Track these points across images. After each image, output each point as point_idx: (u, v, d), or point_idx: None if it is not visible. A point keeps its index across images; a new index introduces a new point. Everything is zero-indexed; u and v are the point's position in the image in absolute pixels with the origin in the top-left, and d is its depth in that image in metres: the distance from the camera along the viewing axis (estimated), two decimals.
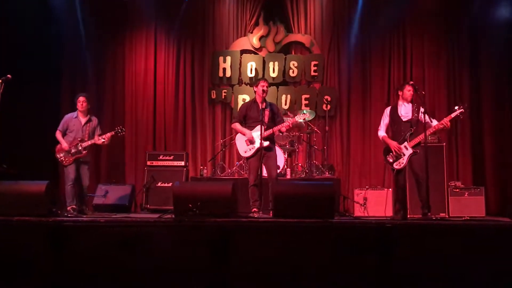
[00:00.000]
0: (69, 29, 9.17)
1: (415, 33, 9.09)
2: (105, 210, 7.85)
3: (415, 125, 6.24)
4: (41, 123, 8.35)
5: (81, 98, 7.07)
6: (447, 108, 8.75)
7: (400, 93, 6.49)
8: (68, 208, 6.83)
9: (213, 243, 4.44)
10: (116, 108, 9.40)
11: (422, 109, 6.19)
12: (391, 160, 6.26)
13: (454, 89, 8.87)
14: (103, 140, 6.94)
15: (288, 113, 8.28)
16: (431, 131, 6.21)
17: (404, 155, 6.18)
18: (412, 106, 6.35)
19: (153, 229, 4.65)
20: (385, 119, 6.54)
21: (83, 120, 7.08)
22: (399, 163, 6.18)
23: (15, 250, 4.57)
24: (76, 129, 7.02)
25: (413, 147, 6.16)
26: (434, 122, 6.22)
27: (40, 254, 4.51)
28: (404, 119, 6.32)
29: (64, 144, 6.90)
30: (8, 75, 5.93)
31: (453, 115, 6.14)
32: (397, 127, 6.38)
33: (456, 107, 6.21)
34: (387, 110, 6.61)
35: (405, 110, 6.37)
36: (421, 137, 6.09)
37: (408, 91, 6.36)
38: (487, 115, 8.72)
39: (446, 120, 6.08)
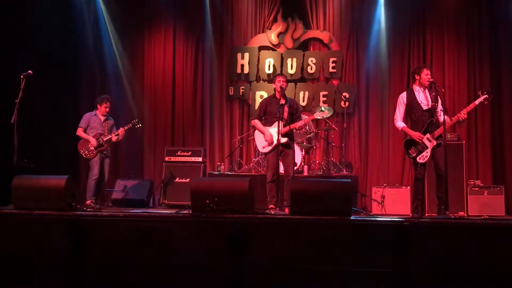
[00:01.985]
0: (88, 27, 9.29)
1: (435, 29, 8.99)
2: (124, 204, 7.94)
3: (435, 115, 5.93)
4: (61, 118, 8.49)
5: (108, 104, 7.37)
6: (467, 105, 8.63)
7: (417, 77, 6.04)
8: (88, 202, 6.94)
9: (230, 239, 4.47)
10: (135, 105, 9.47)
11: (440, 101, 5.90)
12: (414, 154, 5.87)
13: (475, 86, 8.73)
14: (117, 136, 7.24)
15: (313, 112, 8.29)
16: (451, 123, 5.88)
17: (427, 147, 5.83)
18: (430, 93, 5.97)
19: (170, 224, 4.69)
20: (401, 107, 6.10)
21: (102, 118, 7.38)
22: (423, 156, 5.83)
23: (35, 244, 4.66)
24: (96, 125, 7.31)
25: (436, 139, 5.82)
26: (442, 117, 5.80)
27: (60, 248, 4.59)
28: (424, 107, 5.94)
29: (91, 140, 7.14)
30: (29, 71, 6.08)
31: (477, 101, 5.82)
32: (417, 116, 5.96)
33: (480, 92, 5.89)
34: (403, 96, 6.13)
35: (423, 97, 5.98)
36: (441, 128, 5.73)
37: (426, 75, 5.95)
38: (508, 113, 8.58)
39: (471, 107, 5.80)
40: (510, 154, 8.51)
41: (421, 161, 5.86)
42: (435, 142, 5.83)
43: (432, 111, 5.95)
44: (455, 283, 4.28)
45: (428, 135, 5.87)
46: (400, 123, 6.12)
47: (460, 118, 5.86)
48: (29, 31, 8.20)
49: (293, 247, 4.49)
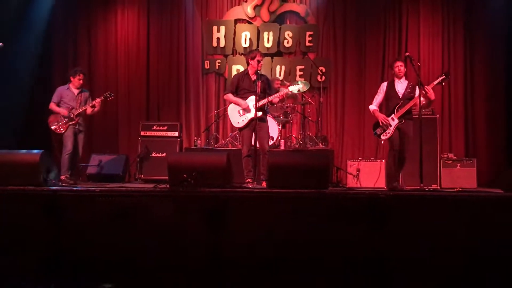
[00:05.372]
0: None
1: (410, 2, 9.03)
2: (99, 179, 7.86)
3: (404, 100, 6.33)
4: (34, 92, 8.32)
5: (81, 76, 7.19)
6: None
7: (392, 71, 6.52)
8: (62, 177, 6.85)
9: (208, 213, 4.47)
10: (108, 79, 9.31)
11: (417, 91, 6.17)
12: (378, 133, 6.41)
13: (449, 59, 8.90)
14: (92, 107, 7.08)
15: (285, 82, 8.29)
16: (421, 104, 6.17)
17: (390, 126, 6.31)
18: (408, 84, 6.38)
19: (148, 199, 4.66)
20: (379, 95, 6.57)
21: (75, 91, 7.20)
22: (386, 133, 6.34)
23: (10, 220, 4.58)
24: (69, 100, 7.14)
25: (399, 118, 6.27)
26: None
27: (36, 224, 4.53)
28: (400, 96, 6.36)
29: (61, 111, 6.99)
30: (1, 43, 5.93)
31: (435, 82, 6.23)
32: (392, 103, 6.39)
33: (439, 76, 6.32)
34: (383, 85, 6.60)
35: (401, 87, 6.39)
36: (406, 107, 6.21)
37: (396, 67, 6.40)
38: (480, 88, 8.78)
39: (429, 88, 6.09)
40: (482, 128, 8.71)
41: (384, 137, 6.38)
42: (397, 121, 6.29)
43: (404, 98, 6.31)
44: (428, 254, 4.38)
45: (392, 115, 6.32)
46: (372, 106, 6.60)
47: (431, 98, 6.17)
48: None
49: (271, 220, 4.52)
